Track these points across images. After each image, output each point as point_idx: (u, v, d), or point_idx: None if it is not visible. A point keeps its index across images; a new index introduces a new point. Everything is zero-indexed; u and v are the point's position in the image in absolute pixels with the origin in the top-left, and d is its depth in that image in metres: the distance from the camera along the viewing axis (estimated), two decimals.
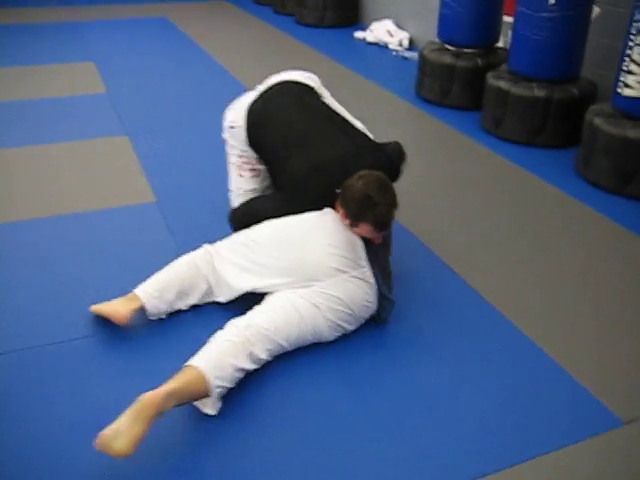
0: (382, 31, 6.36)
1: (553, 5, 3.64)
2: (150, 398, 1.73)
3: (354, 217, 2.19)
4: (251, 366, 2.01)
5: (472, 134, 4.15)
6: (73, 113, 4.39)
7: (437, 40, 4.73)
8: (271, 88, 2.69)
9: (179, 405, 1.83)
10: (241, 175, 2.70)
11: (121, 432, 1.67)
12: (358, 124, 2.75)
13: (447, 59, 4.48)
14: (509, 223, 3.12)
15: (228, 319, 2.11)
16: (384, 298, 2.26)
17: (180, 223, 3.00)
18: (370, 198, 2.14)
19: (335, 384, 2.08)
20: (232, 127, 2.64)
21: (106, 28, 6.96)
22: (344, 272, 2.18)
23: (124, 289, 2.32)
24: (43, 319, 2.34)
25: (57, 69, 5.43)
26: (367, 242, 2.28)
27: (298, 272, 2.19)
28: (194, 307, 2.38)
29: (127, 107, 4.51)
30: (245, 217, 2.50)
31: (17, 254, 2.75)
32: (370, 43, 6.41)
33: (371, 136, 2.64)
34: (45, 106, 4.52)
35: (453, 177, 3.60)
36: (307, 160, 2.42)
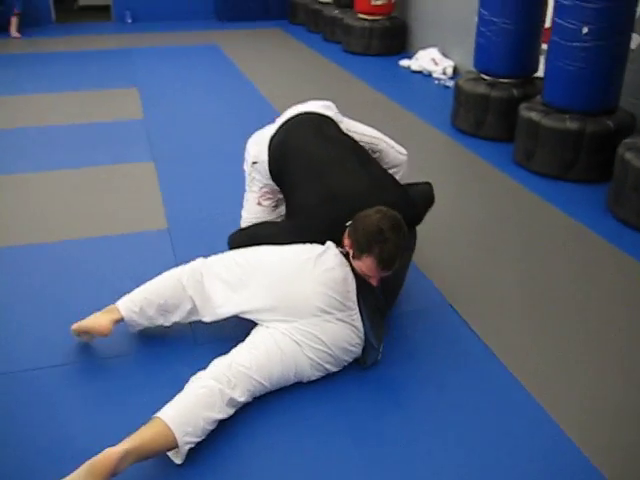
0: (427, 59, 6.28)
1: (586, 35, 3.49)
2: (104, 458, 1.65)
3: (360, 248, 2.09)
4: (228, 413, 1.94)
5: (503, 167, 4.00)
6: (106, 139, 4.48)
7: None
8: (290, 120, 2.63)
9: (141, 460, 1.76)
10: (260, 204, 2.66)
11: None
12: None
13: (481, 89, 4.36)
14: (529, 262, 2.96)
15: (215, 347, 2.08)
16: (370, 345, 2.16)
17: (188, 251, 2.91)
18: (382, 232, 2.04)
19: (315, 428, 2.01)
20: (255, 162, 2.60)
21: (155, 55, 7.14)
22: (329, 313, 2.09)
23: None
24: (27, 344, 2.35)
25: (101, 95, 5.58)
26: (363, 284, 2.19)
27: (282, 305, 2.12)
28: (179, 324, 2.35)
29: (160, 134, 4.57)
30: (245, 241, 2.42)
31: (15, 278, 2.78)
32: (414, 71, 6.33)
33: (399, 170, 2.62)
34: (82, 132, 4.63)
35: (478, 212, 3.46)
36: (320, 191, 2.35)
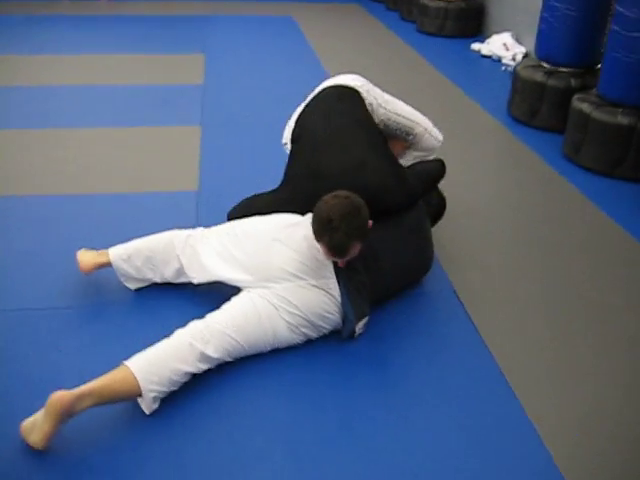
0: (498, 44, 6.09)
1: None
2: (58, 398, 1.74)
3: (314, 234, 2.11)
4: (202, 367, 2.01)
5: (551, 159, 3.86)
6: (161, 101, 4.62)
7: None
8: (315, 96, 2.67)
9: (104, 404, 1.85)
10: None
11: (35, 427, 1.76)
12: (426, 125, 2.72)
13: (538, 77, 4.21)
14: (553, 259, 2.86)
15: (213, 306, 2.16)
16: (347, 317, 2.18)
17: (210, 215, 3.02)
18: (330, 222, 2.04)
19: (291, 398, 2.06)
20: (285, 144, 2.70)
21: (229, 23, 7.26)
22: (301, 279, 2.14)
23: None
24: (41, 286, 2.51)
25: (168, 59, 5.74)
26: (354, 260, 2.20)
27: (259, 272, 2.19)
28: (174, 286, 2.45)
29: (214, 100, 4.67)
30: (241, 212, 2.52)
31: (36, 225, 2.95)
32: (484, 56, 6.16)
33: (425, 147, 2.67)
34: (140, 92, 4.80)
35: (512, 202, 3.37)
36: (310, 165, 2.41)
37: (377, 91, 2.73)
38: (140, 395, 1.88)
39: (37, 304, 2.40)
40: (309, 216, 2.23)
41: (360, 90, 2.64)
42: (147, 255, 2.38)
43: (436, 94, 5.02)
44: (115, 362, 1.91)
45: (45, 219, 3.01)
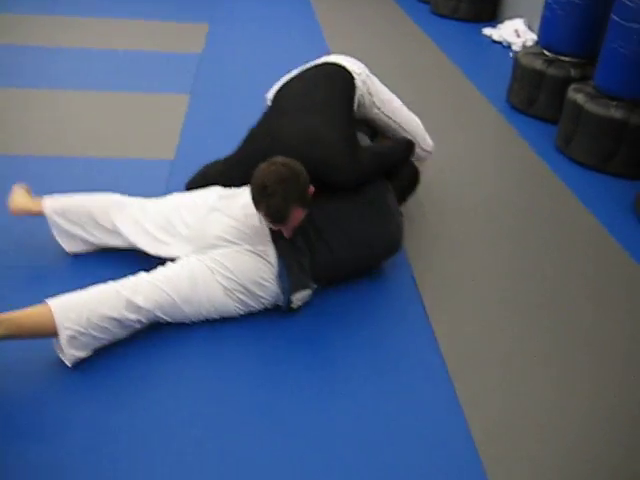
0: (510, 30, 5.94)
1: None
2: None
3: (253, 203, 2.07)
4: (129, 316, 1.96)
5: (542, 150, 3.76)
6: (155, 68, 4.57)
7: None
8: (306, 69, 2.66)
9: (19, 337, 1.85)
10: None
11: None
12: (414, 132, 2.76)
13: (538, 65, 4.08)
14: (525, 252, 2.79)
15: None
16: (283, 288, 2.14)
17: (181, 184, 3.00)
18: (265, 188, 2.01)
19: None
20: (267, 104, 2.68)
21: None
22: (238, 244, 2.12)
23: None
24: None
25: (171, 27, 5.67)
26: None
27: (197, 240, 2.18)
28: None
29: (209, 69, 4.61)
30: (198, 181, 2.50)
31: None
32: (495, 41, 6.01)
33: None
34: (135, 58, 4.75)
35: (493, 190, 3.28)
36: (270, 128, 2.40)
37: (376, 86, 2.71)
38: (54, 331, 1.86)
39: None
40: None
41: (355, 77, 2.62)
42: (83, 212, 2.34)
43: (437, 77, 4.90)
44: None
45: (8, 178, 2.97)
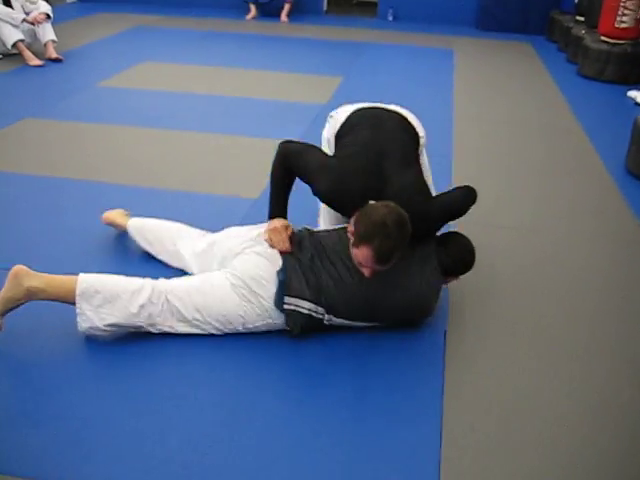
0: None
1: None
2: (17, 267, 2.20)
3: (361, 237, 2.12)
4: (142, 312, 2.23)
5: None
6: (274, 115, 4.88)
7: None
8: (381, 112, 2.67)
9: (49, 296, 2.22)
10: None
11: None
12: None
13: None
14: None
15: None
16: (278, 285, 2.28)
17: (255, 220, 3.17)
18: (385, 226, 2.07)
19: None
20: (331, 116, 2.79)
21: (384, 51, 7.40)
22: (248, 248, 2.39)
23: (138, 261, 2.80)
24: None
25: (307, 79, 6.01)
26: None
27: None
28: None
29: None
30: (295, 148, 2.54)
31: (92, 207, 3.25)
32: (637, 104, 5.67)
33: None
34: (260, 106, 5.11)
35: (584, 276, 3.11)
36: (373, 169, 2.37)
37: (424, 154, 2.76)
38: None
39: None
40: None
41: (420, 137, 2.66)
42: (155, 236, 2.73)
43: (556, 137, 4.74)
44: None
45: (111, 202, 3.34)
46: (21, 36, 6.01)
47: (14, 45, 6.01)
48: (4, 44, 6.03)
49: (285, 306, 2.27)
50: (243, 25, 8.62)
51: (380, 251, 2.09)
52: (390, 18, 9.35)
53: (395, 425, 2.01)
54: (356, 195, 2.28)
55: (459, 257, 2.48)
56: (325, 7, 9.71)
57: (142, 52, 6.73)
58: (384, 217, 2.09)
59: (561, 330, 2.54)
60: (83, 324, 2.21)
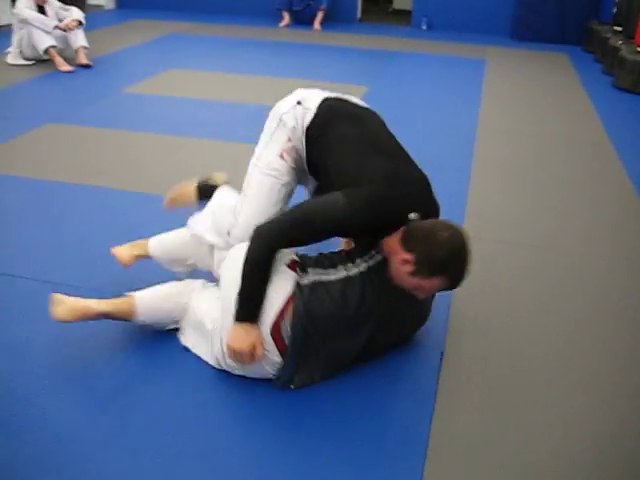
0: None
1: None
2: (83, 306, 2.18)
3: (432, 270, 1.92)
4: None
5: None
6: None
7: None
8: (359, 108, 2.42)
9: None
10: (282, 157, 2.33)
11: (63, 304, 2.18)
12: None
13: None
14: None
15: None
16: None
17: None
18: (458, 253, 1.93)
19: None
20: (299, 103, 2.36)
21: (415, 60, 7.31)
22: None
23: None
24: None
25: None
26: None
27: None
28: None
29: None
30: (292, 230, 2.07)
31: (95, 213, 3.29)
32: None
33: None
34: None
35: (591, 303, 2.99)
36: (392, 171, 2.11)
37: None
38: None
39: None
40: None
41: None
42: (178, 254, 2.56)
43: (583, 151, 4.60)
44: None
45: (118, 211, 3.35)
46: (53, 42, 6.12)
47: (46, 51, 6.13)
48: (36, 50, 6.15)
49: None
50: (276, 33, 8.64)
51: (456, 279, 1.97)
52: (424, 27, 9.26)
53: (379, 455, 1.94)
54: (407, 201, 2.07)
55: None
56: (359, 15, 9.67)
57: (172, 59, 6.79)
58: (452, 243, 1.92)
59: (572, 359, 2.44)
60: None
